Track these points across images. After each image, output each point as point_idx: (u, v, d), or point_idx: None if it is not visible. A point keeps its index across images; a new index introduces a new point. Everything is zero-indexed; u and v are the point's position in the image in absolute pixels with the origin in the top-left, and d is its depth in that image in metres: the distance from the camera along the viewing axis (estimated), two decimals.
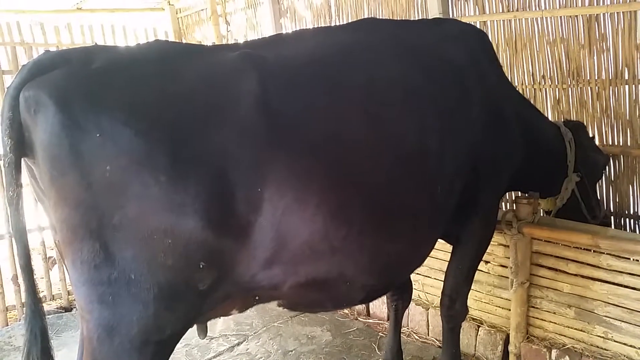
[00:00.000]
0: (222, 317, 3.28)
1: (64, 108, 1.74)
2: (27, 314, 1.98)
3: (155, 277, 1.85)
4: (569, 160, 3.67)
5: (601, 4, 4.07)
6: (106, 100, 1.82)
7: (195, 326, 2.35)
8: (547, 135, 3.63)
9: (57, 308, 5.36)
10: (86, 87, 1.82)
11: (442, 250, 3.82)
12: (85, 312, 1.89)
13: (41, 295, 5.40)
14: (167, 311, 1.91)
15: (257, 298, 2.31)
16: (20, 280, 5.11)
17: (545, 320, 3.65)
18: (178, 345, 2.11)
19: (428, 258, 2.91)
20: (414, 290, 3.82)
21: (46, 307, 5.36)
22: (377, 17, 5.12)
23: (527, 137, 3.27)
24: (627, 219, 4.39)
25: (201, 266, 1.92)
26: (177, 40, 7.30)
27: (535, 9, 4.44)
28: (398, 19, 5.14)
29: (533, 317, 3.71)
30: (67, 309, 5.34)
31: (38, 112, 1.76)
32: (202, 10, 7.37)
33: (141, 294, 1.84)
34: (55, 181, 1.79)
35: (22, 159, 1.88)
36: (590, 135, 4.04)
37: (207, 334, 2.63)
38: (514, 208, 3.54)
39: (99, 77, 1.86)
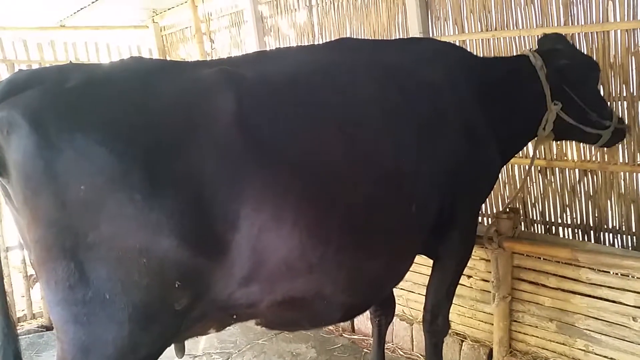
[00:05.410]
0: (205, 336, 3.24)
1: (38, 128, 1.74)
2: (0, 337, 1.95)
3: (130, 297, 1.84)
4: (545, 92, 3.22)
5: (576, 23, 4.15)
6: (80, 120, 1.81)
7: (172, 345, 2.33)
8: (521, 96, 3.27)
9: (37, 327, 5.29)
10: (60, 107, 1.82)
11: (425, 265, 3.82)
12: (61, 333, 1.87)
13: (22, 313, 5.36)
14: (142, 331, 1.90)
15: (234, 317, 2.30)
16: None
17: (527, 334, 3.68)
18: None
19: (411, 273, 2.91)
20: (397, 305, 3.83)
21: (27, 326, 5.31)
22: (355, 37, 5.18)
23: (506, 134, 3.19)
24: (606, 233, 4.43)
25: (177, 285, 1.91)
26: (159, 57, 7.31)
27: (513, 28, 4.51)
28: (379, 38, 5.19)
29: (515, 331, 3.73)
30: (49, 328, 5.24)
31: (11, 132, 1.75)
32: (187, 28, 7.38)
33: (116, 314, 1.83)
34: (29, 201, 1.79)
35: None
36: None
37: (191, 353, 2.62)
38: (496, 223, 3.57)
39: (73, 96, 1.85)
